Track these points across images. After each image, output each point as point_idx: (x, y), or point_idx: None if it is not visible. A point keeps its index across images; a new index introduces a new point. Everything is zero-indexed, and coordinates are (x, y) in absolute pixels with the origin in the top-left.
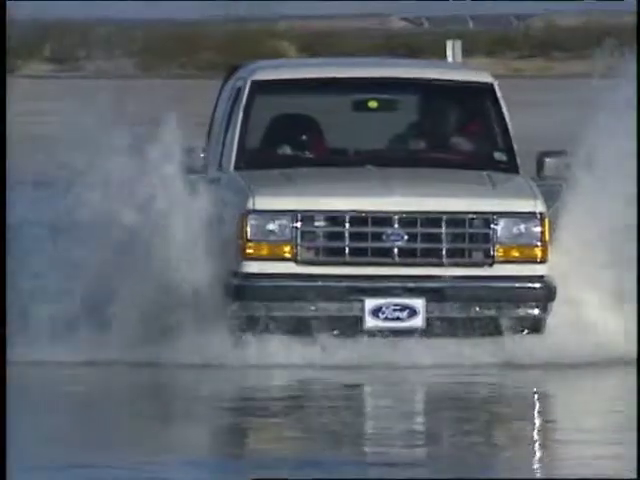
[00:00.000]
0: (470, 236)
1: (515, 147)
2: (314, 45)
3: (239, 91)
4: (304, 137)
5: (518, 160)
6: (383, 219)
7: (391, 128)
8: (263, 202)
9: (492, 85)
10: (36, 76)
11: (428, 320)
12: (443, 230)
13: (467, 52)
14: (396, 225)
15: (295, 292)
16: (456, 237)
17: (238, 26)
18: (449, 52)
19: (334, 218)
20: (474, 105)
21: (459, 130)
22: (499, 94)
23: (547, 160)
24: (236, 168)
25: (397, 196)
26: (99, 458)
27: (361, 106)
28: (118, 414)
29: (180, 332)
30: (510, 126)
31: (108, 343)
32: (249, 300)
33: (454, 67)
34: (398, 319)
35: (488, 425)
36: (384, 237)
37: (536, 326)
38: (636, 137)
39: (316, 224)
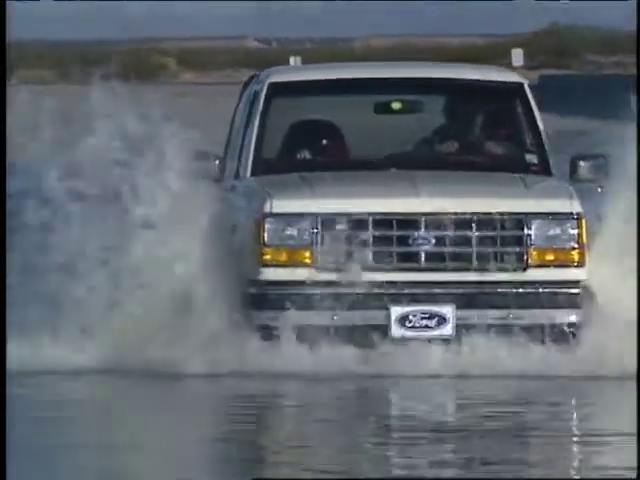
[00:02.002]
0: (502, 239)
1: (547, 149)
2: (189, 59)
3: (256, 95)
4: (324, 141)
5: (551, 162)
6: (409, 221)
7: (416, 131)
8: (281, 205)
9: (522, 85)
10: None
11: (458, 328)
12: (473, 233)
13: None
14: (423, 228)
15: (316, 300)
16: (487, 240)
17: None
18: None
19: (356, 221)
20: (504, 106)
21: (488, 132)
22: (529, 94)
23: (581, 163)
24: (253, 174)
25: (424, 197)
26: None
27: (384, 108)
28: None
29: (196, 343)
30: (542, 127)
31: (121, 353)
32: (268, 309)
33: (481, 67)
34: (426, 327)
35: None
36: (410, 241)
37: (573, 334)
38: (636, 138)
39: (337, 227)
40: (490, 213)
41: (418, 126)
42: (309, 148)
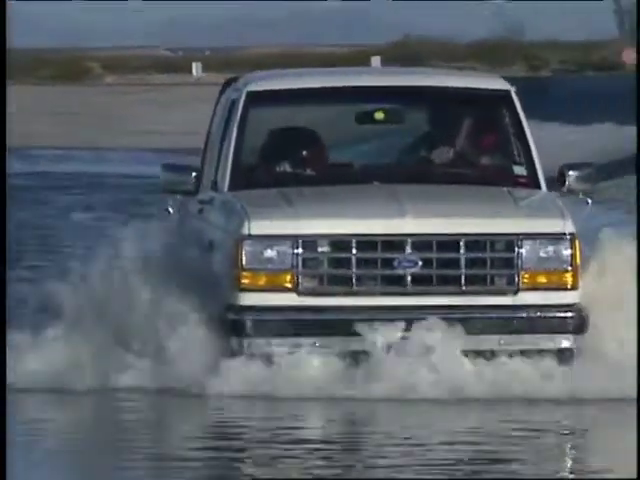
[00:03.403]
0: (492, 261)
1: (536, 160)
2: (111, 65)
3: (234, 103)
4: (304, 153)
5: (540, 174)
6: (394, 243)
7: (398, 142)
8: (260, 226)
9: (509, 92)
10: None
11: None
12: (462, 254)
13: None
14: (409, 249)
15: (297, 326)
16: (476, 262)
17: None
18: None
19: (339, 243)
20: (490, 114)
21: (474, 142)
22: (517, 102)
23: (570, 173)
24: (231, 188)
25: (410, 217)
26: None
27: (366, 118)
28: None
29: (171, 370)
30: (530, 137)
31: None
32: (247, 336)
33: (466, 74)
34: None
35: None
36: (396, 263)
37: (566, 359)
38: (636, 139)
39: (319, 250)
40: (479, 234)
41: (400, 136)
42: (289, 159)
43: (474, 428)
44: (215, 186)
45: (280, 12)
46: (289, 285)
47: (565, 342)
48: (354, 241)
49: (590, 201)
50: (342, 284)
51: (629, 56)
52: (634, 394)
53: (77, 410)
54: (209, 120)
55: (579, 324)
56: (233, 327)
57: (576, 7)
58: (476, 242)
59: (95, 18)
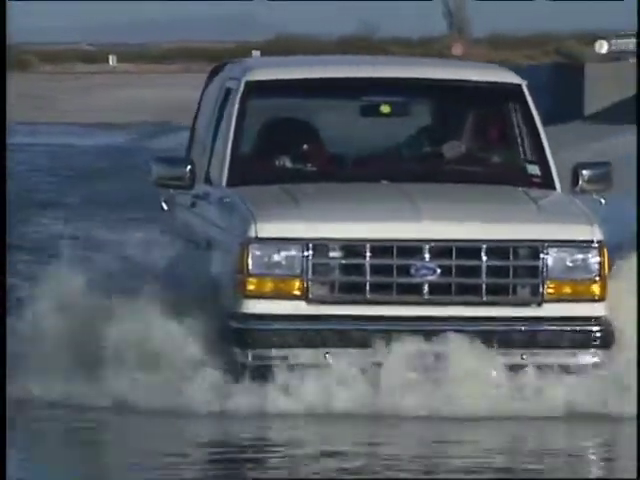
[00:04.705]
0: (515, 269)
1: (550, 158)
2: (47, 57)
3: (229, 93)
4: (306, 147)
5: (555, 173)
6: (411, 249)
7: (403, 136)
8: (268, 229)
9: (520, 87)
10: None
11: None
12: (483, 262)
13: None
14: (427, 256)
15: (306, 337)
16: (498, 270)
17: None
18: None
19: (352, 248)
20: (501, 110)
21: (484, 139)
22: (529, 97)
23: (584, 172)
24: (229, 184)
25: (427, 220)
26: None
27: (372, 111)
28: None
29: (169, 387)
30: (543, 134)
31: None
32: (251, 347)
33: (475, 66)
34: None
35: None
36: (412, 271)
37: (592, 376)
38: (636, 140)
39: (331, 255)
40: (502, 240)
41: (406, 130)
42: (290, 153)
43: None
44: (208, 180)
45: (179, 13)
46: (298, 292)
47: (592, 358)
48: (368, 246)
49: (604, 201)
50: (355, 292)
51: (457, 49)
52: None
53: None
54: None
55: (606, 338)
56: (236, 336)
57: (410, 6)
58: (498, 249)
59: (29, 19)
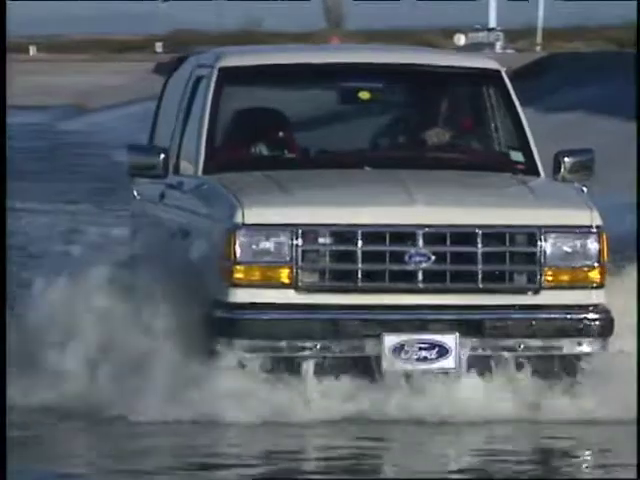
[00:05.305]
0: (512, 256)
1: (533, 145)
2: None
3: (199, 81)
4: (282, 134)
5: (538, 160)
6: (404, 235)
7: (383, 123)
8: (255, 214)
9: (500, 72)
10: None
11: (461, 360)
12: (479, 248)
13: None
14: (420, 242)
15: (295, 327)
16: (494, 257)
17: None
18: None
19: (343, 234)
20: (481, 96)
21: (465, 126)
22: (508, 83)
23: (567, 159)
24: (206, 171)
25: (421, 205)
26: None
27: (350, 97)
28: None
29: (149, 385)
30: (525, 121)
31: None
32: (238, 337)
33: (454, 53)
34: (425, 359)
35: None
36: (406, 257)
37: (590, 366)
38: (636, 139)
39: (321, 241)
40: (499, 226)
41: (383, 117)
42: (265, 141)
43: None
44: (177, 170)
45: (91, 11)
46: (287, 280)
47: (591, 346)
48: (360, 232)
49: (585, 189)
50: (346, 280)
51: (334, 42)
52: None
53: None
54: (157, 101)
55: (606, 326)
56: (222, 326)
57: (293, 5)
58: (495, 235)
59: None
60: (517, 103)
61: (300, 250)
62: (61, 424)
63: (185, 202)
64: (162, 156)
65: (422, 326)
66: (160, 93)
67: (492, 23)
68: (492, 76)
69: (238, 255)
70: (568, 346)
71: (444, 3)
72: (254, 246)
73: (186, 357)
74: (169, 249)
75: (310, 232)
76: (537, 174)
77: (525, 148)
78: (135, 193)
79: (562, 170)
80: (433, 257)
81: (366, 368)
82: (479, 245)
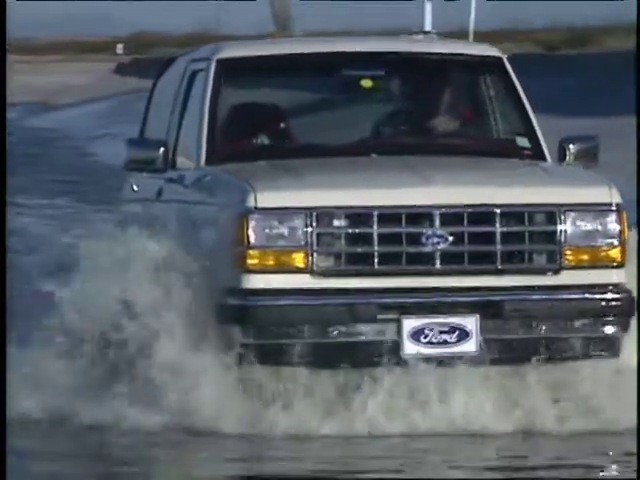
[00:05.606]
0: (531, 235)
1: (538, 130)
2: None
3: (195, 75)
4: (283, 125)
5: (544, 145)
6: (421, 215)
7: (384, 112)
8: (268, 198)
9: (502, 59)
10: None
11: (482, 343)
12: (497, 228)
13: None
14: (437, 223)
15: (311, 312)
16: (513, 237)
17: None
18: None
19: (359, 216)
20: (484, 83)
21: (469, 112)
22: (511, 70)
23: (571, 147)
24: (208, 163)
25: (437, 185)
26: None
27: (351, 86)
28: None
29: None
30: (529, 106)
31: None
32: (252, 324)
33: (455, 41)
34: (445, 343)
35: None
36: (423, 239)
37: (613, 348)
38: (636, 137)
39: (336, 224)
40: (517, 204)
41: (384, 105)
42: (267, 131)
43: None
44: (174, 164)
45: (59, 14)
46: (302, 265)
47: (613, 328)
48: (376, 213)
49: None
50: (362, 263)
51: None
52: None
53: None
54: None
55: (628, 306)
56: (236, 314)
57: (244, 8)
58: (513, 214)
59: None
60: (520, 89)
61: (315, 234)
62: None
63: (188, 194)
64: (162, 149)
65: (441, 309)
66: (149, 93)
67: (427, 26)
68: (494, 63)
69: (252, 240)
70: (591, 329)
71: (382, 4)
72: (267, 230)
73: (198, 349)
74: (187, 237)
75: (325, 215)
76: (544, 159)
77: (531, 134)
78: (134, 187)
79: (567, 157)
80: (451, 238)
81: (385, 353)
82: (497, 225)
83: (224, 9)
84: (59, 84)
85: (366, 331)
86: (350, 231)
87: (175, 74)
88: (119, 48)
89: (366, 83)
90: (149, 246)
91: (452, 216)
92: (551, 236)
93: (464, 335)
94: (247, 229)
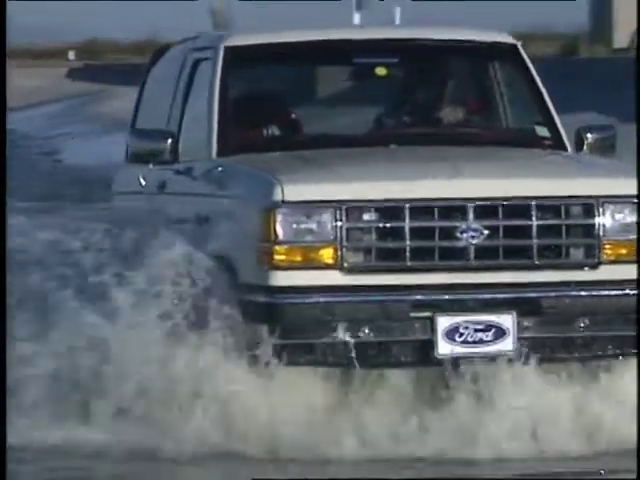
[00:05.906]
0: (568, 229)
1: (557, 119)
2: None
3: (198, 64)
4: (293, 116)
5: (564, 135)
6: (454, 209)
7: (399, 101)
8: (296, 191)
9: (517, 47)
10: None
11: (520, 342)
12: (534, 221)
13: None
14: (471, 216)
15: (341, 311)
16: (550, 230)
17: None
18: None
19: (390, 209)
20: (501, 70)
21: (486, 102)
22: (526, 57)
23: (589, 135)
24: (220, 154)
25: (470, 178)
26: None
27: (364, 74)
28: None
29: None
30: (546, 95)
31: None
32: (280, 323)
33: (468, 28)
34: (481, 342)
35: None
36: (457, 233)
37: None
38: (636, 135)
39: (366, 218)
40: (554, 197)
41: (397, 94)
42: (278, 122)
43: None
44: (176, 157)
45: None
46: (331, 261)
47: None
48: (407, 207)
49: None
50: (393, 259)
51: None
52: None
53: None
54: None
55: None
56: (263, 312)
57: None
58: (550, 206)
59: None
60: (537, 77)
61: (345, 228)
62: None
63: (199, 187)
64: (170, 140)
65: (477, 306)
66: (141, 86)
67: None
68: (510, 50)
69: (280, 235)
70: (631, 326)
71: (313, 4)
72: (295, 225)
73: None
74: (204, 233)
75: (354, 209)
76: (564, 149)
77: (550, 123)
78: (141, 180)
79: (585, 147)
80: (486, 232)
81: (418, 353)
82: (534, 218)
83: (168, 12)
84: (14, 88)
85: (398, 330)
86: (381, 225)
87: (172, 64)
88: (71, 54)
89: (380, 71)
90: (158, 241)
91: (487, 209)
92: (589, 229)
93: (501, 333)
94: (274, 224)
